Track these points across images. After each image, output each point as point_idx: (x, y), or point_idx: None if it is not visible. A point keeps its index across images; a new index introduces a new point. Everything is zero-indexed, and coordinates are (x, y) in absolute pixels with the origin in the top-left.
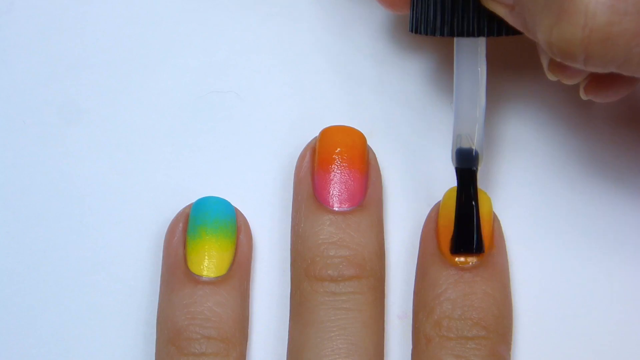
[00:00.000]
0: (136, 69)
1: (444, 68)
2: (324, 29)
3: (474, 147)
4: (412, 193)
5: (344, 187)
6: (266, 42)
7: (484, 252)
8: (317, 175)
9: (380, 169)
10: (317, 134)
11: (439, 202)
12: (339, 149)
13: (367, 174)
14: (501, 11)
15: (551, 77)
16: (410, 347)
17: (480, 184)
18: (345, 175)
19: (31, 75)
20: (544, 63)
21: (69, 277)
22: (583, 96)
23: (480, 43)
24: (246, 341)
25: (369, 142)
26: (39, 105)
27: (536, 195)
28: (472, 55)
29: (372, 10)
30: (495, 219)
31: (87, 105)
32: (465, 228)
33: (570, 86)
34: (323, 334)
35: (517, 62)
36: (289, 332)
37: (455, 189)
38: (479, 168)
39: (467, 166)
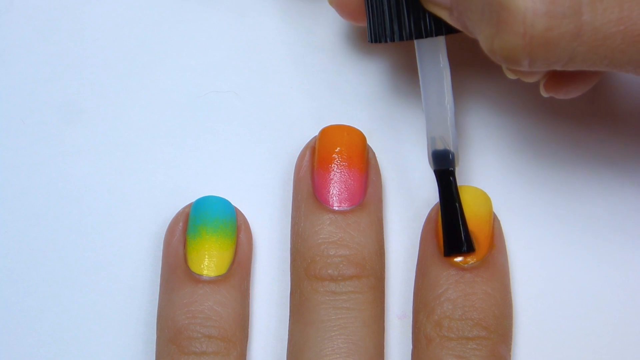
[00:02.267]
0: (136, 69)
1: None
2: (324, 30)
3: (448, 148)
4: (412, 193)
5: (343, 186)
6: (266, 42)
7: (474, 250)
8: (317, 174)
9: (381, 168)
10: (316, 133)
11: (438, 202)
12: (338, 148)
13: (367, 173)
14: (441, 13)
15: (510, 76)
16: (410, 347)
17: (480, 184)
18: (345, 175)
19: (30, 74)
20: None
21: (68, 277)
22: (544, 93)
23: (440, 42)
24: (246, 340)
25: (369, 142)
26: (38, 105)
27: (536, 195)
28: (433, 56)
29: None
30: (495, 219)
31: (86, 105)
32: (453, 230)
33: None
34: (323, 334)
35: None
36: (289, 331)
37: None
38: (457, 168)
39: (444, 167)
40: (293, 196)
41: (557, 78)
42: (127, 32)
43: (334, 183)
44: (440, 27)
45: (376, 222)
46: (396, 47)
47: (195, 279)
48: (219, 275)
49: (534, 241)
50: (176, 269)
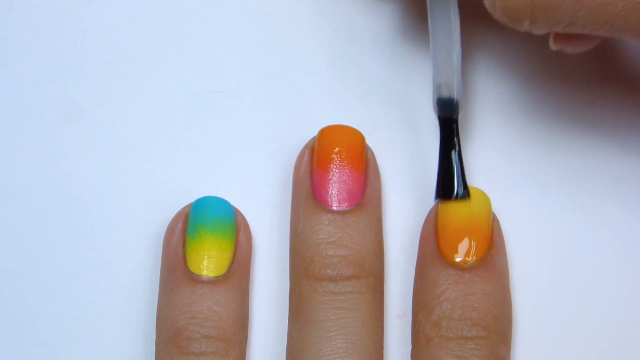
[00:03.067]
0: (135, 69)
1: None
2: (324, 29)
3: (453, 96)
4: (412, 192)
5: (342, 186)
6: (266, 42)
7: (468, 197)
8: (316, 174)
9: (380, 168)
10: (316, 133)
11: (438, 202)
12: (337, 148)
13: (366, 173)
14: None
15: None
16: (410, 347)
17: (479, 184)
18: (343, 175)
19: (30, 74)
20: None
21: (68, 276)
22: (552, 46)
23: None
24: (246, 340)
25: (369, 142)
26: (38, 105)
27: (536, 195)
28: (444, 5)
29: (372, 10)
30: (494, 219)
31: (86, 105)
32: (446, 175)
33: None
34: (322, 334)
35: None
36: (288, 331)
37: None
38: (460, 115)
39: (447, 114)
40: (292, 196)
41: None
42: (127, 32)
43: (332, 183)
44: None
45: (375, 222)
46: (398, 50)
47: (195, 279)
48: (218, 276)
49: (534, 241)
50: (175, 269)
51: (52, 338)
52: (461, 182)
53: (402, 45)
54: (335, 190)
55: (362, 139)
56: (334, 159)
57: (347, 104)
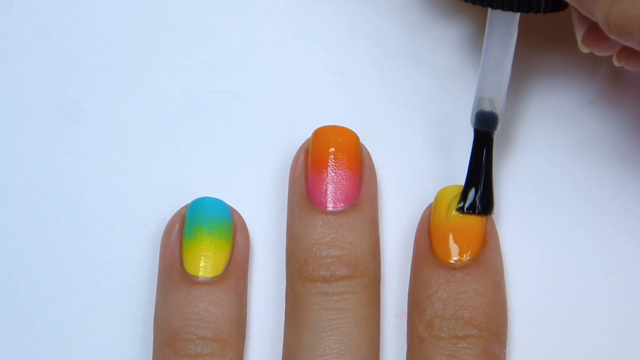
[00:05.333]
0: (135, 69)
1: (442, 67)
2: (323, 30)
3: (495, 111)
4: (411, 192)
5: (336, 187)
6: (265, 42)
7: (491, 213)
8: (310, 175)
9: (379, 169)
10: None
11: (432, 203)
12: (331, 149)
13: (361, 173)
14: None
15: (584, 49)
16: None
17: None
18: (337, 175)
19: (30, 74)
20: (578, 36)
21: (67, 276)
22: (615, 62)
23: (515, 17)
24: (243, 341)
25: (368, 142)
26: (37, 105)
27: (534, 194)
28: (505, 27)
29: (371, 10)
30: (488, 217)
31: (85, 105)
32: (473, 189)
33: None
34: (315, 335)
35: (546, 37)
36: (284, 332)
37: (446, 189)
38: (496, 131)
39: (485, 128)
40: (288, 198)
41: (632, 50)
42: (127, 32)
43: (326, 184)
44: (522, 3)
45: (370, 222)
46: (396, 50)
47: (191, 280)
48: (215, 276)
49: (531, 240)
50: (172, 270)
51: (51, 338)
52: (489, 199)
53: (401, 45)
54: (329, 191)
55: (356, 139)
56: (327, 159)
57: (346, 104)
